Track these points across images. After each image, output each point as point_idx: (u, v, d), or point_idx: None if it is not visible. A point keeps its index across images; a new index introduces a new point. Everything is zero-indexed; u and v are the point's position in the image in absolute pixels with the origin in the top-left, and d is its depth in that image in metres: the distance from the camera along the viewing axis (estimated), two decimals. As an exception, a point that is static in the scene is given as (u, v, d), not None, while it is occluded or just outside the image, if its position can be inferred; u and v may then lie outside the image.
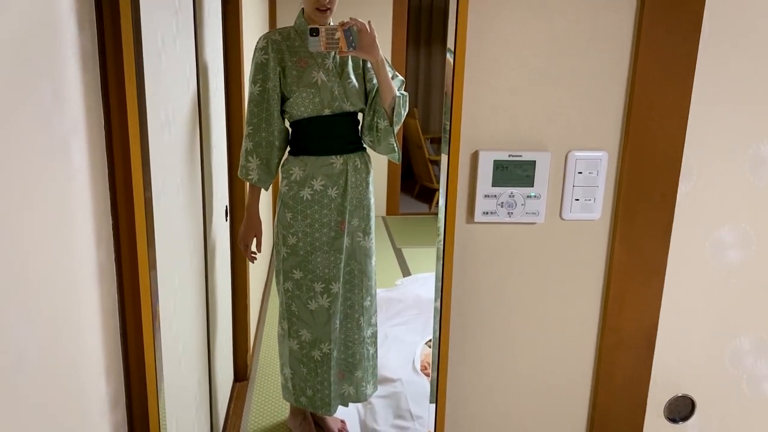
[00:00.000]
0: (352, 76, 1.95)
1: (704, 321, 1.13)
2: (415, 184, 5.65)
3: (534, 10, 0.95)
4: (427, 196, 5.27)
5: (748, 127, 1.04)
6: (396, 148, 1.98)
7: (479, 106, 0.98)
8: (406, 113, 1.97)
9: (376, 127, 1.96)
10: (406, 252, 4.02)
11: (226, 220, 2.14)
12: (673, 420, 1.18)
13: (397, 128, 1.95)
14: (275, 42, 1.90)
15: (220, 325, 2.04)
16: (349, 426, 2.24)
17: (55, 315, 0.74)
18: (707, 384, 1.16)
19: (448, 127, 0.97)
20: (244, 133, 1.94)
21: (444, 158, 0.98)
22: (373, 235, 2.07)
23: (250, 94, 1.92)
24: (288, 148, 2.01)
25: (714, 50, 1.00)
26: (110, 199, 0.91)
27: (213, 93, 1.90)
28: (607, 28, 0.97)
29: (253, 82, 1.91)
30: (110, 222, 0.91)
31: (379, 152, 2.02)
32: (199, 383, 1.63)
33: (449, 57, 0.94)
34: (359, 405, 2.30)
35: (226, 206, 2.14)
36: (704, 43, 0.99)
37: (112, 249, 0.93)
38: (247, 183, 2.00)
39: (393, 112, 1.92)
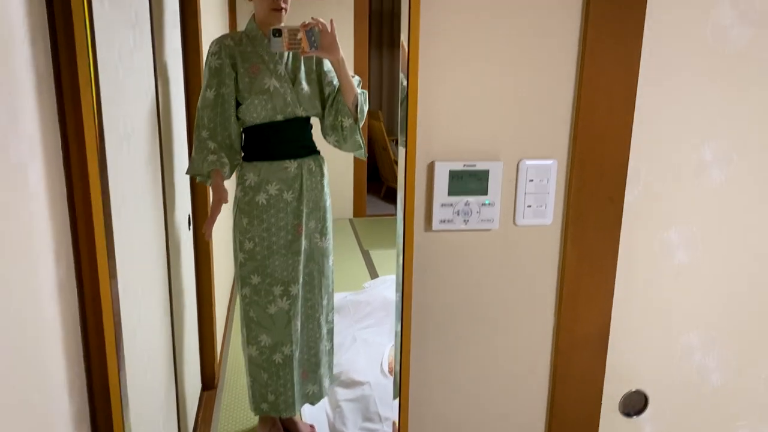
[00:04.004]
0: (304, 83, 1.98)
1: (655, 319, 1.18)
2: (381, 185, 5.67)
3: (484, 23, 0.99)
4: (394, 197, 5.27)
5: (690, 132, 1.09)
6: (362, 145, 2.01)
7: (433, 119, 1.01)
8: (367, 109, 2.00)
9: (341, 125, 1.98)
10: (374, 254, 4.04)
11: (189, 228, 2.14)
12: (627, 414, 1.22)
13: (361, 124, 1.98)
14: (228, 47, 1.91)
15: (187, 334, 2.03)
16: (318, 430, 2.26)
17: (15, 334, 0.75)
18: (659, 379, 1.21)
19: (404, 140, 0.99)
20: (200, 137, 1.91)
21: (401, 170, 1.01)
22: (330, 236, 2.11)
23: (204, 99, 1.90)
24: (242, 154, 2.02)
25: (655, 60, 1.04)
26: (69, 216, 0.91)
27: (173, 101, 1.90)
28: (553, 42, 1.01)
29: (208, 86, 1.90)
30: (70, 238, 0.92)
31: (345, 150, 2.04)
32: (166, 393, 1.63)
33: (402, 76, 0.96)
34: (328, 408, 2.32)
35: (189, 215, 2.14)
36: (646, 54, 1.03)
37: (73, 265, 0.93)
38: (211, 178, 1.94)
39: (357, 108, 1.95)
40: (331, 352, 2.24)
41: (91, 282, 0.93)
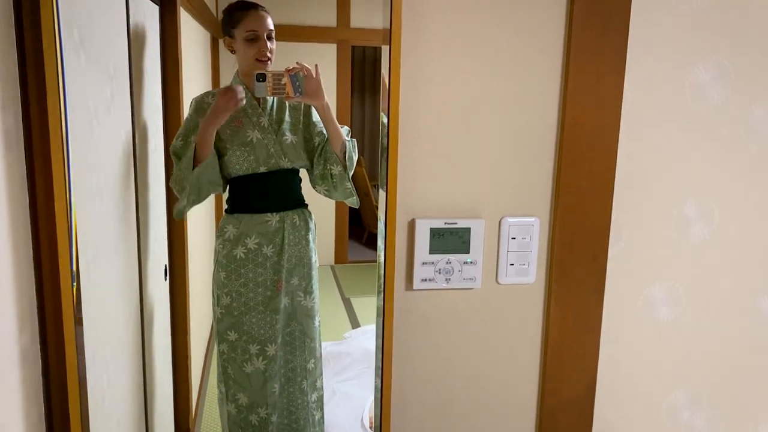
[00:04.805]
0: (289, 133, 1.96)
1: (640, 377, 1.15)
2: (363, 231, 5.65)
3: (465, 79, 0.98)
4: (376, 243, 5.26)
5: (672, 188, 1.09)
6: (353, 192, 1.98)
7: (414, 176, 1.00)
8: (356, 158, 1.98)
9: (330, 174, 1.95)
10: (355, 302, 3.98)
11: (166, 279, 2.08)
12: (615, 477, 1.19)
13: (350, 172, 1.95)
14: (208, 104, 1.89)
15: (160, 390, 1.96)
16: (297, 489, 2.17)
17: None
18: (646, 439, 1.18)
19: (384, 197, 0.98)
20: (179, 177, 1.86)
21: (381, 228, 0.99)
22: (316, 294, 2.04)
23: (173, 147, 1.88)
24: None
25: (636, 116, 1.05)
26: (35, 279, 0.87)
27: (152, 152, 1.87)
28: (535, 101, 1.01)
29: (176, 137, 1.88)
30: (35, 303, 0.88)
31: (336, 199, 2.01)
32: (136, 456, 1.55)
33: (382, 139, 0.95)
34: (307, 466, 2.24)
35: (166, 265, 2.09)
36: (626, 110, 1.04)
37: (37, 331, 0.88)
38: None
39: (345, 156, 1.93)
40: (321, 422, 2.12)
41: (56, 349, 0.89)
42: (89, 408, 1.10)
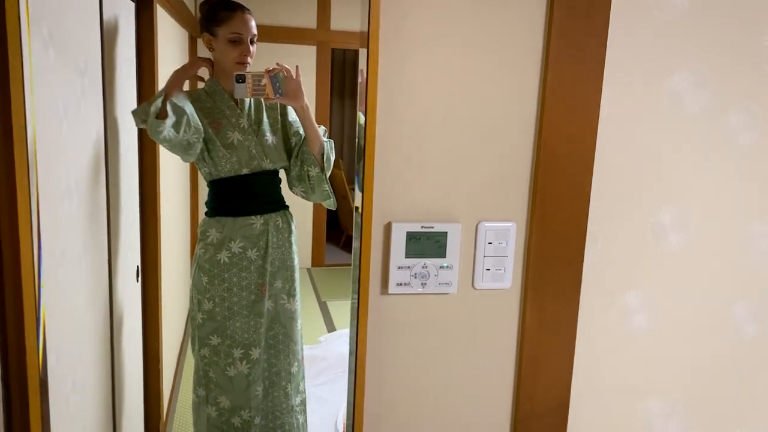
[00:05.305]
0: (269, 134, 1.93)
1: (615, 384, 1.15)
2: (341, 234, 5.63)
3: (442, 82, 0.97)
4: (353, 246, 5.24)
5: (648, 196, 1.09)
6: (331, 194, 1.95)
7: (391, 179, 0.98)
8: (334, 159, 1.96)
9: (308, 175, 1.93)
10: (331, 305, 3.96)
11: (138, 280, 2.05)
12: (589, 484, 1.18)
13: (328, 173, 1.93)
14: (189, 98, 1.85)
15: (130, 393, 1.92)
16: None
17: None
18: (620, 446, 1.18)
19: (360, 199, 0.96)
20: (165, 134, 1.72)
21: (356, 230, 0.97)
22: (298, 297, 2.02)
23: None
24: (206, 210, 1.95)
25: (613, 124, 1.04)
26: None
27: (125, 152, 1.84)
28: (512, 105, 1.00)
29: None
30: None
31: (313, 200, 1.99)
32: (103, 462, 1.52)
33: (359, 140, 0.94)
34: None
35: (138, 266, 2.05)
36: (604, 117, 1.04)
37: (-3, 333, 0.85)
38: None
39: (323, 157, 1.90)
40: (304, 425, 2.10)
41: (17, 352, 0.86)
42: (54, 412, 1.06)
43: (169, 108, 1.68)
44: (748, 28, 1.07)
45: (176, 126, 1.70)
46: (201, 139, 1.77)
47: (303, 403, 2.09)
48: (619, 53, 1.02)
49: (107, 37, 1.57)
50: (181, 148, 1.75)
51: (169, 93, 1.72)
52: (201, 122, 1.83)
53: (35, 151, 0.84)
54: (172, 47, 2.76)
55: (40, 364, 0.86)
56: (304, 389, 2.10)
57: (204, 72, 1.93)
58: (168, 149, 1.78)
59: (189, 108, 1.74)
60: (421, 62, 0.96)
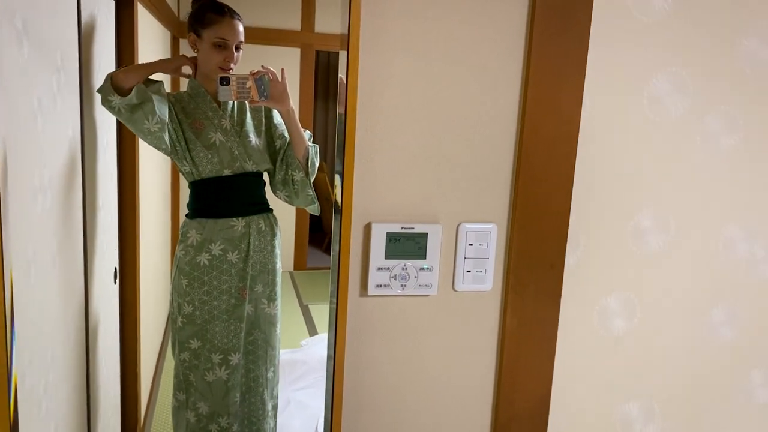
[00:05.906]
0: (252, 135, 1.91)
1: (594, 388, 1.15)
2: (324, 236, 5.61)
3: (424, 83, 0.97)
4: (336, 250, 5.22)
5: (629, 198, 1.09)
6: (315, 199, 1.93)
7: (371, 179, 0.97)
8: (318, 163, 1.93)
9: (292, 180, 1.90)
10: (313, 309, 3.94)
11: (115, 282, 2.01)
12: (568, 488, 1.17)
13: (312, 178, 1.91)
14: (170, 96, 1.83)
15: (106, 396, 1.89)
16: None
17: None
18: (599, 450, 1.17)
19: (339, 200, 0.95)
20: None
21: (335, 231, 0.96)
22: (278, 302, 1.99)
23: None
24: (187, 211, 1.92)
25: (595, 127, 1.04)
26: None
27: (103, 150, 1.81)
28: (494, 106, 1.00)
29: None
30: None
31: (297, 205, 1.96)
32: (76, 467, 1.48)
33: (338, 136, 0.92)
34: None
35: (116, 267, 2.02)
36: (585, 119, 1.03)
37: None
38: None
39: (308, 162, 1.88)
40: (274, 430, 2.09)
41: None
42: (24, 415, 1.04)
43: (134, 91, 1.65)
44: (728, 31, 1.07)
45: (135, 109, 1.66)
46: (165, 130, 1.73)
47: (275, 408, 2.07)
48: (601, 56, 1.02)
49: (85, 34, 1.54)
50: (141, 133, 1.72)
51: (139, 69, 1.70)
52: (181, 122, 1.81)
53: (4, 144, 0.82)
54: (153, 47, 2.73)
55: (9, 365, 0.84)
56: (277, 395, 2.08)
57: (187, 70, 1.90)
58: (134, 132, 1.75)
59: (159, 99, 1.71)
60: (402, 64, 0.95)
